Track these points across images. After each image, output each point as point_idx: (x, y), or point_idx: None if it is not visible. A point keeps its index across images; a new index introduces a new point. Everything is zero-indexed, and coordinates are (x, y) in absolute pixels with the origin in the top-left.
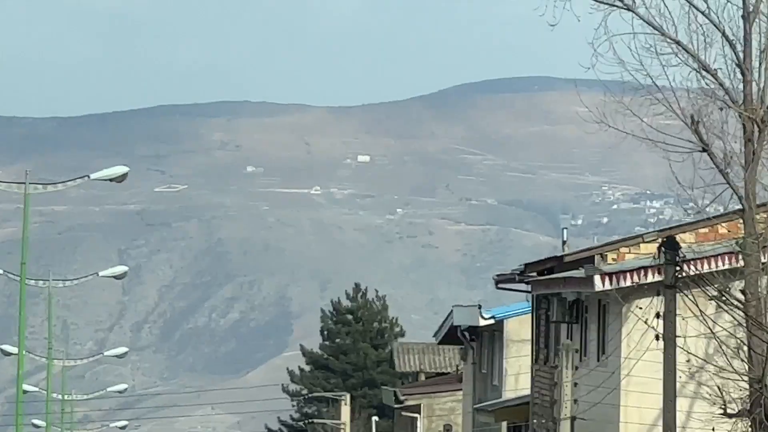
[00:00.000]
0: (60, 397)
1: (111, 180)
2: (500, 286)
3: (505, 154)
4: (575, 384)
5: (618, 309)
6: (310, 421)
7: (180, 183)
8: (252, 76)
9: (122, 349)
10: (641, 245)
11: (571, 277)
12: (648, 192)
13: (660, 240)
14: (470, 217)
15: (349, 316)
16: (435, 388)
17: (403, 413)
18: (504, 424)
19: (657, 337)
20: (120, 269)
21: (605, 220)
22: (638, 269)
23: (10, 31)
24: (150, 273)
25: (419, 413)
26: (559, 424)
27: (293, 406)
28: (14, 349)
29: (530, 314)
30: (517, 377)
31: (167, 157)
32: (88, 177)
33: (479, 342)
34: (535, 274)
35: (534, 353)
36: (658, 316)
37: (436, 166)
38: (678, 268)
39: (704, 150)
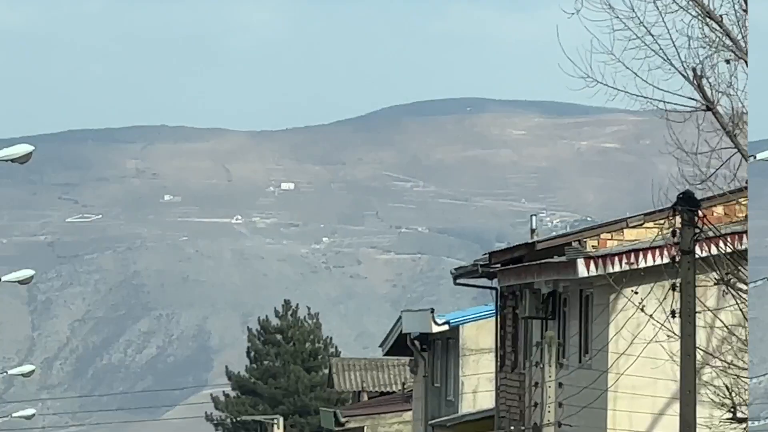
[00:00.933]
0: None
1: (14, 161)
2: (459, 281)
3: (437, 179)
4: (560, 384)
5: (605, 299)
6: None
7: (93, 213)
8: (168, 98)
9: (29, 367)
10: (625, 231)
11: (549, 262)
12: (589, 219)
13: (644, 224)
14: (400, 246)
15: (279, 336)
16: (380, 408)
17: None
18: None
19: (673, 314)
20: (26, 273)
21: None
22: (630, 252)
23: None
24: (61, 307)
25: None
26: None
27: None
28: None
29: (492, 317)
30: (474, 394)
31: (79, 186)
32: None
33: (432, 352)
34: (499, 265)
35: (499, 359)
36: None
37: (364, 193)
38: (697, 231)
39: (708, 109)
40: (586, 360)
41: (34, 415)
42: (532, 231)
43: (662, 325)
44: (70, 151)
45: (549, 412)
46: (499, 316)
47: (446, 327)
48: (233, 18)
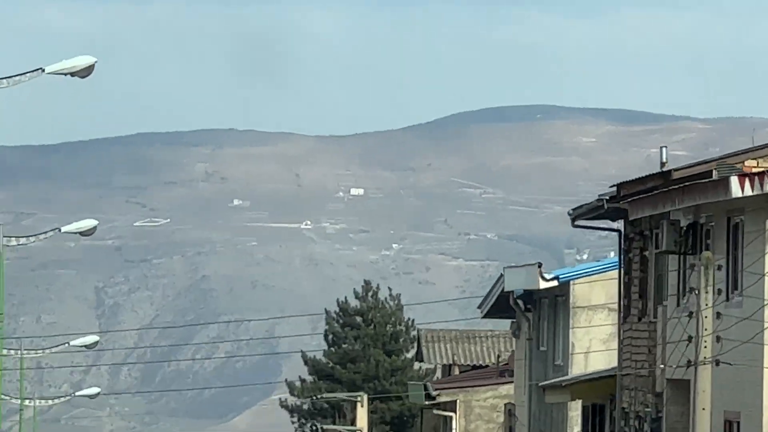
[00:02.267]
0: None
1: (74, 75)
2: (577, 223)
3: (506, 186)
4: (717, 315)
5: (760, 225)
6: (318, 428)
7: (161, 216)
8: (237, 103)
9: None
10: None
11: (695, 184)
12: None
13: None
14: (469, 253)
15: (358, 318)
16: (473, 382)
17: (435, 412)
18: (580, 403)
19: None
20: (88, 223)
21: (612, 254)
22: None
23: None
24: (129, 311)
25: (455, 411)
26: (696, 371)
27: (294, 422)
28: None
29: (606, 272)
30: (586, 356)
31: (147, 189)
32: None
33: (537, 312)
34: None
35: (623, 309)
36: None
37: (433, 200)
38: None
39: None
40: (734, 297)
41: (98, 393)
42: (663, 164)
43: None
44: (138, 155)
45: (705, 347)
46: (623, 259)
47: (555, 283)
48: (303, 23)
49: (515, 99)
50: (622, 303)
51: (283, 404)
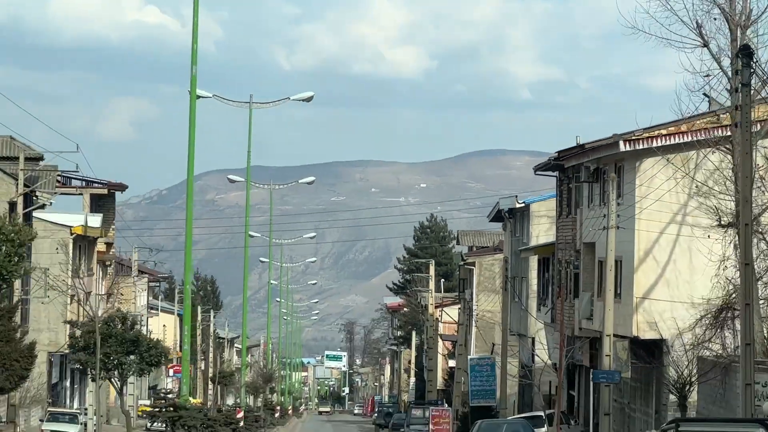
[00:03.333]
0: None
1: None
2: (538, 173)
3: None
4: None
5: (632, 165)
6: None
7: None
8: None
9: None
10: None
11: (600, 145)
12: None
13: None
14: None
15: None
16: (483, 253)
17: (465, 266)
18: (536, 258)
19: None
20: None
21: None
22: (650, 128)
23: None
24: None
25: (474, 266)
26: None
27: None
28: None
29: (551, 197)
30: (537, 237)
31: None
32: None
33: (514, 219)
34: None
35: (559, 210)
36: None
37: None
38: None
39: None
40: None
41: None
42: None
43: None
44: None
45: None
46: (558, 189)
47: (523, 204)
48: None
49: None
50: (558, 208)
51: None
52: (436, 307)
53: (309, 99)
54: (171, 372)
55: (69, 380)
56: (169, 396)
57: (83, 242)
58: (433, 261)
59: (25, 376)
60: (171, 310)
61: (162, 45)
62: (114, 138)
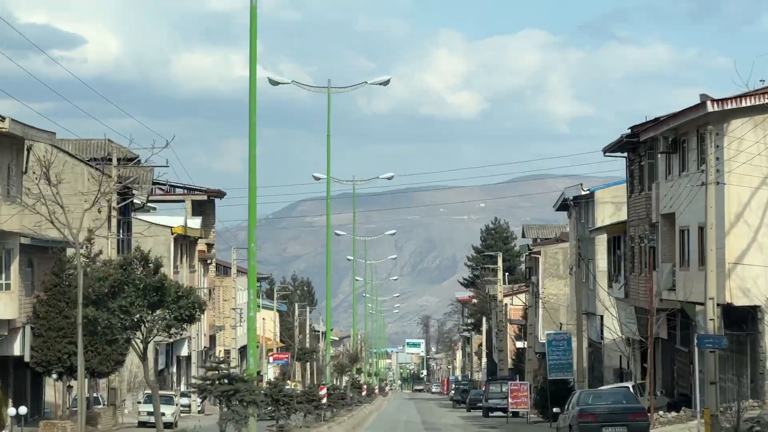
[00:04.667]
0: None
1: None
2: (607, 154)
3: None
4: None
5: (719, 128)
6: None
7: None
8: None
9: None
10: None
11: (682, 111)
12: None
13: None
14: None
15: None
16: (546, 242)
17: (531, 255)
18: (604, 238)
19: None
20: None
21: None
22: (743, 96)
23: None
24: None
25: (539, 255)
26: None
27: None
28: None
29: (615, 184)
30: (602, 222)
31: None
32: None
33: (579, 206)
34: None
35: (630, 189)
36: None
37: None
38: None
39: None
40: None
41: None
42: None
43: None
44: None
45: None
46: (629, 168)
47: (588, 192)
48: None
49: None
50: (628, 188)
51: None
52: (504, 295)
53: (386, 82)
54: (271, 360)
55: (175, 366)
56: (222, 366)
57: (184, 242)
58: (501, 253)
59: (120, 360)
60: (270, 307)
61: (263, 94)
62: (226, 171)
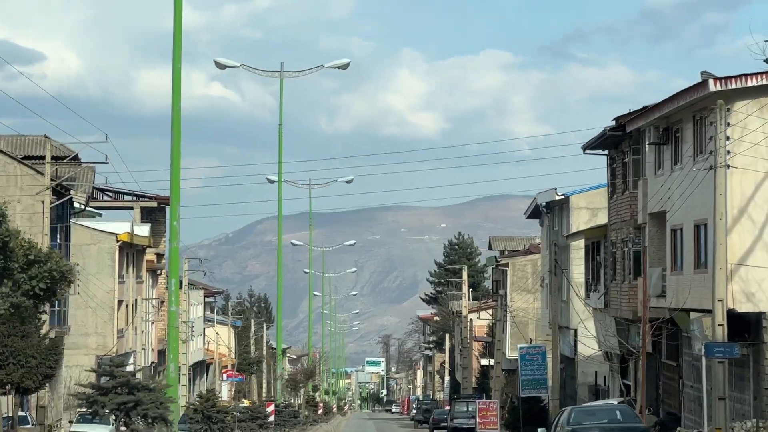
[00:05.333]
0: None
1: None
2: (587, 151)
3: None
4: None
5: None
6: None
7: None
8: None
9: None
10: None
11: (676, 94)
12: None
13: None
14: None
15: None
16: (515, 254)
17: (499, 267)
18: (582, 241)
19: None
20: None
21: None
22: (748, 75)
23: None
24: None
25: (507, 267)
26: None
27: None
28: None
29: (591, 189)
30: (577, 229)
31: None
32: None
33: (552, 213)
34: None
35: (611, 189)
36: None
37: None
38: None
39: None
40: (699, 158)
41: None
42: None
43: None
44: None
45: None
46: (609, 165)
47: (562, 196)
48: None
49: None
50: (609, 189)
51: None
52: (469, 311)
53: (344, 66)
54: (225, 377)
55: None
56: (120, 370)
57: (131, 250)
58: (466, 266)
59: (49, 375)
60: (225, 322)
61: (224, 113)
62: (187, 189)
